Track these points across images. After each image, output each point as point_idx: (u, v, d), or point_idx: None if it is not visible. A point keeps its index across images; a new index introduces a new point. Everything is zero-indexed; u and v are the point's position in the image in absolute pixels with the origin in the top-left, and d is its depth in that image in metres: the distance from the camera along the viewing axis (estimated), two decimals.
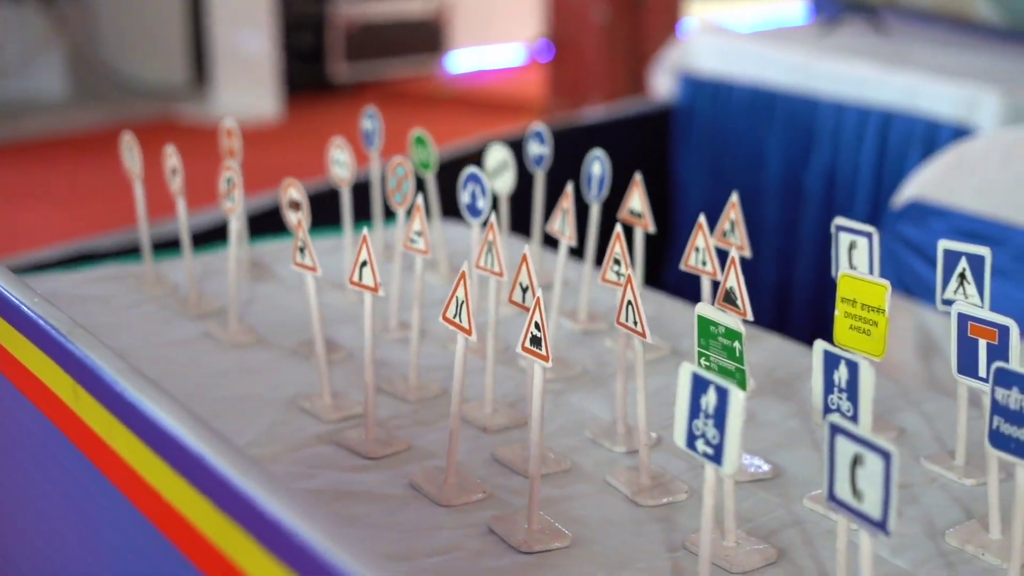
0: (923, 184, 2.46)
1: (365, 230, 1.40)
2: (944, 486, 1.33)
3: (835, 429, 0.94)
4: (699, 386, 1.00)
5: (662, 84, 4.21)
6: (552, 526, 1.23)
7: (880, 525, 0.91)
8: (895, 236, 2.45)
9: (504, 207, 1.84)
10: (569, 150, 2.61)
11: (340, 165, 1.84)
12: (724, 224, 1.52)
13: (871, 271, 1.37)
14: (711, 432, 1.00)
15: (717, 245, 1.52)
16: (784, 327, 3.58)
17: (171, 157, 1.78)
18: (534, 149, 1.89)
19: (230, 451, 1.06)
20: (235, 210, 1.67)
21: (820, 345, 1.09)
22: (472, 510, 1.27)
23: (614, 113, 4.24)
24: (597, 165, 1.72)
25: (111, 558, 1.30)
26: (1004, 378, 1.02)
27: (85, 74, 7.30)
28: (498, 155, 1.81)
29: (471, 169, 1.62)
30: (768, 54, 3.81)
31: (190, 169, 1.78)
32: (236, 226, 1.69)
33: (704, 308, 1.16)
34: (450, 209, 2.00)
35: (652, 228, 1.62)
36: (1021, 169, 2.33)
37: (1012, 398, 1.01)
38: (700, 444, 1.01)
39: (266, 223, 2.33)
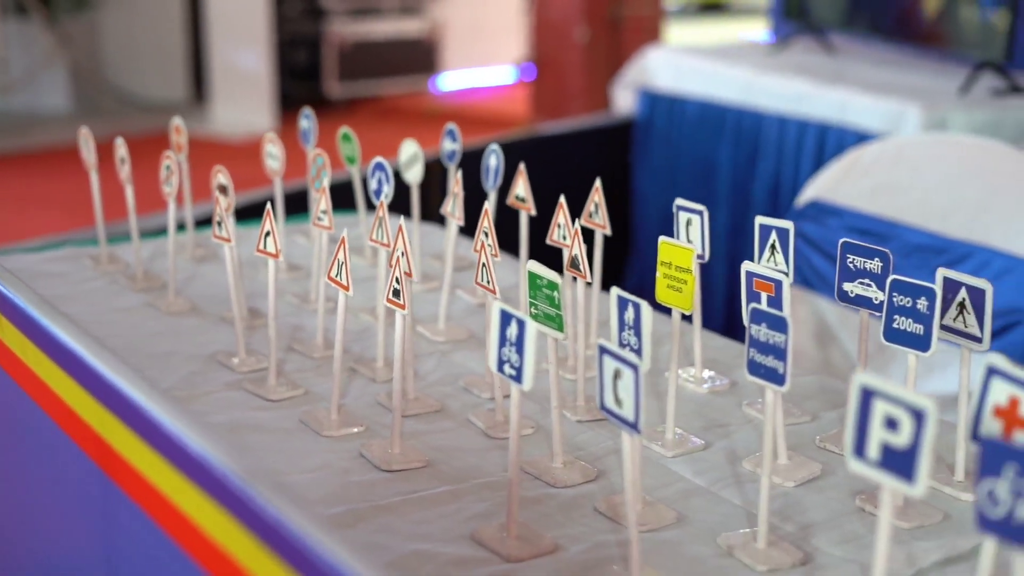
0: (822, 186, 2.68)
1: (268, 205, 1.63)
2: (757, 426, 1.56)
3: (603, 350, 1.17)
4: (505, 320, 1.23)
5: (623, 99, 4.45)
6: (413, 450, 1.46)
7: (632, 425, 1.14)
8: (796, 233, 2.67)
9: (415, 195, 2.07)
10: (535, 159, 2.83)
11: (272, 158, 2.08)
12: (590, 207, 1.75)
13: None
14: (514, 357, 1.23)
15: (584, 224, 1.75)
16: (733, 322, 3.81)
17: (120, 148, 2.02)
18: (447, 145, 2.12)
19: (149, 389, 1.30)
20: (172, 194, 1.91)
21: (615, 292, 1.32)
22: (350, 439, 1.50)
23: (577, 126, 4.48)
24: (493, 158, 1.96)
25: (33, 472, 1.53)
26: (757, 316, 1.25)
27: (88, 89, 7.57)
28: (410, 149, 2.05)
29: (378, 159, 1.85)
30: (718, 71, 4.05)
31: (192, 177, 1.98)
32: (174, 209, 1.93)
33: (533, 265, 1.39)
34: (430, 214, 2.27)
35: (533, 211, 1.85)
36: (906, 172, 2.56)
37: (762, 332, 1.24)
38: (507, 368, 1.24)
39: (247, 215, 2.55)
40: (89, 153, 2.09)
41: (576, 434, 1.53)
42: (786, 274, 1.54)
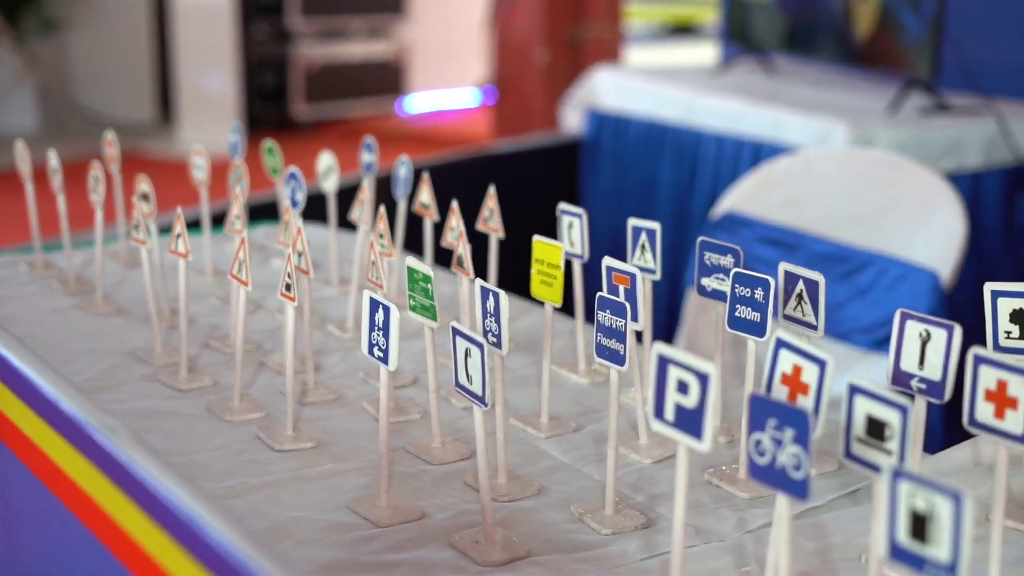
0: (736, 198, 2.84)
1: (179, 208, 1.78)
2: (628, 412, 1.70)
3: (455, 332, 1.31)
4: (374, 307, 1.38)
5: (571, 119, 4.62)
6: (305, 433, 1.60)
7: (480, 399, 1.29)
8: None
9: (332, 203, 2.22)
10: (484, 177, 2.97)
11: (199, 168, 2.23)
12: (484, 212, 1.90)
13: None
14: (381, 341, 1.37)
15: (480, 229, 1.91)
16: (671, 333, 3.96)
17: (52, 159, 2.17)
18: (365, 157, 2.27)
19: (60, 381, 1.45)
20: (99, 203, 2.05)
21: (479, 283, 1.47)
22: (248, 424, 1.64)
23: (526, 144, 4.64)
24: (403, 169, 2.11)
25: None
26: (602, 303, 1.39)
27: (56, 110, 7.72)
28: (326, 161, 2.19)
29: (292, 168, 2.00)
30: (661, 92, 4.22)
31: (157, 198, 2.10)
32: (101, 217, 2.07)
33: (411, 260, 1.53)
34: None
35: (436, 217, 2.00)
36: (814, 185, 2.71)
37: (606, 318, 1.39)
38: (376, 350, 1.39)
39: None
40: (24, 165, 2.23)
41: (459, 419, 1.67)
42: (652, 271, 1.69)
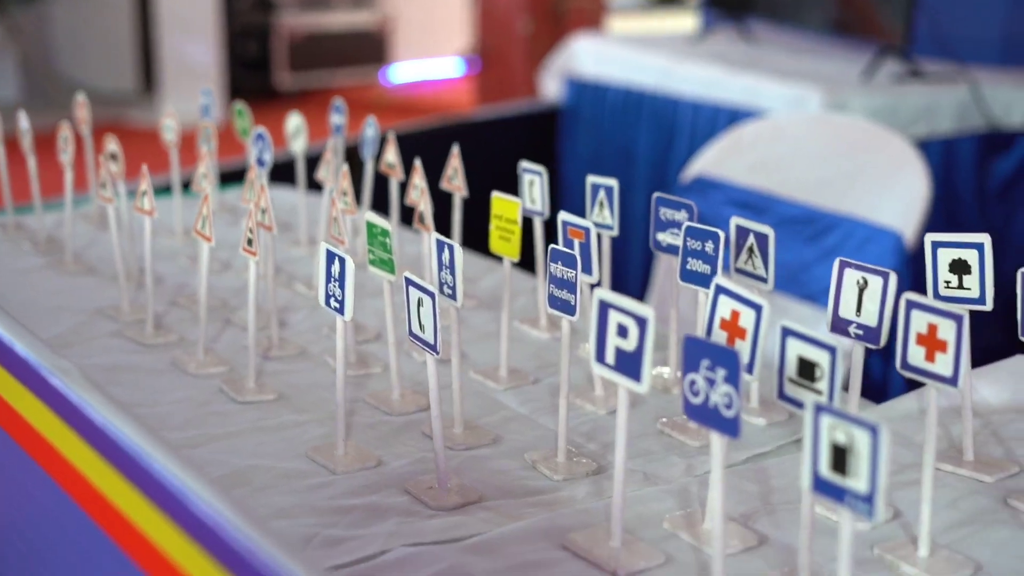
0: (706, 161, 2.87)
1: (144, 166, 1.80)
2: (585, 364, 1.74)
3: (408, 281, 1.35)
4: (330, 258, 1.41)
5: (550, 86, 4.64)
6: (267, 386, 1.64)
7: (432, 347, 1.32)
8: None
9: (301, 165, 2.25)
10: (463, 144, 2.99)
11: (168, 131, 2.25)
12: (449, 171, 1.94)
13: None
14: (337, 292, 1.41)
15: (444, 187, 1.94)
16: (644, 298, 4.00)
17: (22, 120, 2.20)
18: (334, 119, 2.30)
19: (26, 335, 1.47)
20: (68, 163, 2.08)
21: (434, 236, 1.50)
22: (212, 378, 1.68)
23: (505, 112, 4.66)
24: (370, 130, 2.14)
25: None
26: (554, 255, 1.43)
27: (38, 80, 7.72)
28: (295, 122, 2.22)
29: (259, 129, 2.03)
30: (638, 59, 4.24)
31: (136, 166, 2.12)
32: (69, 177, 2.10)
33: (370, 216, 1.56)
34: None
35: (401, 176, 2.03)
36: (782, 149, 2.75)
37: (558, 270, 1.42)
38: (332, 301, 1.42)
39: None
40: None
41: (419, 372, 1.70)
42: (610, 227, 1.73)
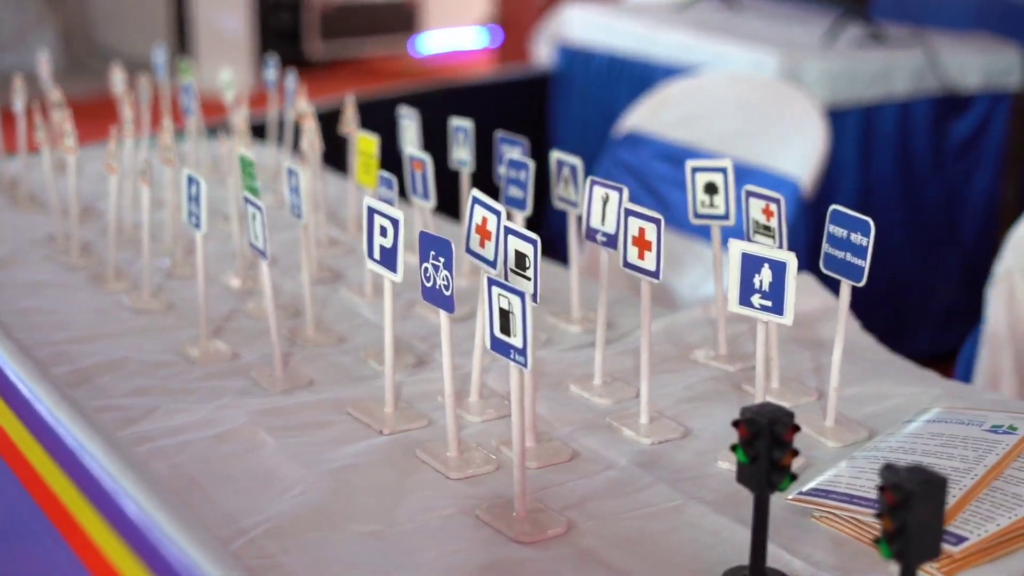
0: (638, 116, 3.14)
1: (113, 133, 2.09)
2: None
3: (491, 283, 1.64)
4: (189, 182, 1.70)
5: (542, 52, 4.90)
6: (163, 299, 1.93)
7: (262, 253, 1.61)
8: (615, 161, 3.14)
9: (242, 117, 2.54)
10: (457, 107, 3.28)
11: (117, 83, 2.56)
12: (345, 118, 2.22)
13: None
14: (196, 210, 1.70)
15: (342, 132, 2.23)
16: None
17: (17, 81, 2.51)
18: (268, 74, 2.59)
19: None
20: (21, 113, 2.40)
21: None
22: (119, 293, 1.97)
23: (498, 77, 4.94)
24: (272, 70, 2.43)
25: None
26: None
27: (76, 49, 8.10)
28: (226, 75, 2.52)
29: (188, 81, 2.33)
30: (619, 26, 4.49)
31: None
32: (45, 136, 2.41)
33: (245, 152, 1.85)
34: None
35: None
36: (704, 104, 3.01)
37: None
38: (193, 219, 1.71)
39: None
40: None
41: (294, 292, 1.98)
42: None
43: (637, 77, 4.39)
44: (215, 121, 2.74)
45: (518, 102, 4.90)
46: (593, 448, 1.44)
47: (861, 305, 3.91)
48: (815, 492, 1.30)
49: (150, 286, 1.94)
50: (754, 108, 2.95)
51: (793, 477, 1.11)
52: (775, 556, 1.20)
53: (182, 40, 8.04)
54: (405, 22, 8.63)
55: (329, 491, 1.32)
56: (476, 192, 1.45)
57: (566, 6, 4.83)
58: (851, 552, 1.22)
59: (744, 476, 1.13)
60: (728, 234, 1.50)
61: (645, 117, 3.13)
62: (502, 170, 1.90)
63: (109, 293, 1.97)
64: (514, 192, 1.79)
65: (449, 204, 2.12)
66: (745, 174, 2.87)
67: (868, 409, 1.54)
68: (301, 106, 2.33)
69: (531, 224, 1.85)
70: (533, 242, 1.33)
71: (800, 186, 2.78)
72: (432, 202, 1.87)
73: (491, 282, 1.24)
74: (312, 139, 2.07)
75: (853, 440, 1.45)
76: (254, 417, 1.49)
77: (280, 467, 1.38)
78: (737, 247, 1.32)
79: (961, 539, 1.20)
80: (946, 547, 1.19)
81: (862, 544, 1.22)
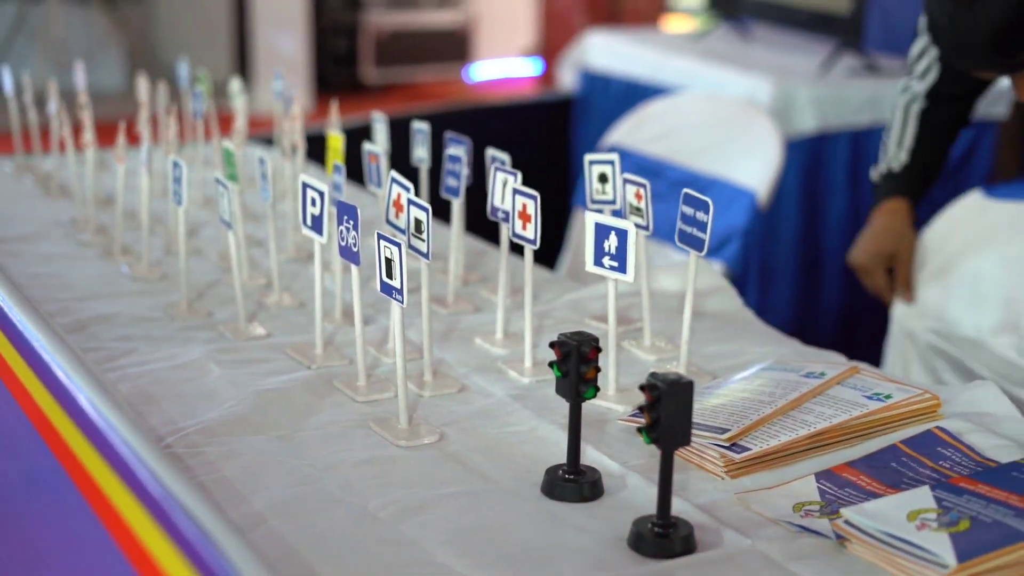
0: (619, 133, 3.46)
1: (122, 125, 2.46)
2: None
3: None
4: (175, 167, 2.05)
5: (566, 77, 5.24)
6: (159, 270, 2.28)
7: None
8: None
9: (241, 118, 2.89)
10: (482, 127, 3.65)
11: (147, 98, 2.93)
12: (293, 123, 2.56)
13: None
14: (179, 189, 2.04)
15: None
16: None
17: (52, 87, 2.88)
18: (276, 86, 2.95)
19: None
20: (62, 122, 2.77)
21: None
22: (119, 262, 2.32)
23: (522, 99, 5.28)
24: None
25: None
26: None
27: (141, 68, 8.55)
28: (236, 85, 2.88)
29: (198, 88, 2.69)
30: (635, 53, 4.82)
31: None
32: (59, 129, 2.78)
33: (227, 143, 2.19)
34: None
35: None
36: (677, 121, 3.32)
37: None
38: (176, 197, 2.06)
39: None
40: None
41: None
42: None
43: (650, 100, 4.71)
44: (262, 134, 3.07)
45: (543, 123, 5.23)
46: (481, 384, 1.76)
47: (852, 322, 4.21)
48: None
49: (148, 259, 2.28)
50: (721, 126, 3.26)
51: (596, 389, 1.43)
52: (595, 459, 1.52)
53: (243, 61, 8.47)
54: (457, 50, 9.01)
55: (254, 406, 1.65)
56: (394, 173, 1.79)
57: (589, 34, 5.17)
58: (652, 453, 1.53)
59: (560, 388, 1.45)
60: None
61: (626, 133, 3.45)
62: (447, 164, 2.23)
63: (113, 264, 2.32)
64: (451, 182, 2.11)
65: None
66: (708, 185, 3.19)
67: (722, 363, 1.85)
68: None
69: (557, 226, 2.13)
70: (426, 209, 1.66)
71: (757, 196, 3.09)
72: (383, 190, 2.20)
73: (379, 236, 1.57)
74: (295, 139, 2.42)
75: (699, 384, 1.76)
76: (208, 354, 1.83)
77: (220, 389, 1.72)
78: (591, 218, 1.64)
79: (744, 449, 1.51)
80: (730, 455, 1.50)
81: None
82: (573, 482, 1.46)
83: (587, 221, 1.64)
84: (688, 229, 1.74)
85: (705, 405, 1.60)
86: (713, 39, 5.04)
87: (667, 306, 2.09)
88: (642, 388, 1.30)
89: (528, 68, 9.19)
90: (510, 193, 1.82)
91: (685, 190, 1.76)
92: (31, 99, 2.90)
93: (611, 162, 1.93)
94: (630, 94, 4.84)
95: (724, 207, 3.12)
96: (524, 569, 1.29)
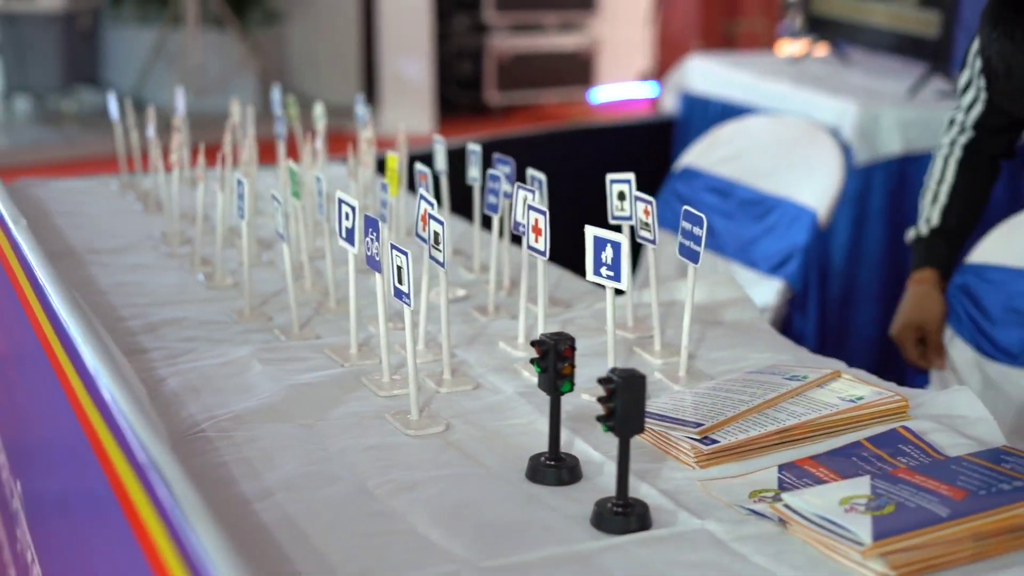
0: (693, 154, 3.61)
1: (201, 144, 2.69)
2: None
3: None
4: (239, 184, 2.27)
5: (668, 100, 5.39)
6: (229, 280, 2.50)
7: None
8: (672, 191, 3.61)
9: (321, 141, 3.10)
10: (585, 149, 3.86)
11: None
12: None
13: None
14: (239, 203, 2.26)
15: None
16: None
17: (150, 113, 3.14)
18: (274, 106, 3.16)
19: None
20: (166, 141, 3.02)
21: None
22: (189, 260, 2.55)
23: (625, 121, 5.44)
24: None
25: None
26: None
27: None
28: (319, 108, 3.09)
29: (279, 114, 2.91)
30: (731, 76, 4.96)
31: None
32: (156, 154, 3.03)
33: (292, 164, 2.40)
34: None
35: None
36: (745, 144, 3.46)
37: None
38: (237, 210, 2.27)
39: None
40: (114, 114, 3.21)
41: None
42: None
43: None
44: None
45: (647, 144, 5.38)
46: (495, 383, 1.94)
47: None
48: None
49: (222, 269, 2.50)
50: (786, 147, 3.39)
51: (572, 384, 1.59)
52: (581, 450, 1.69)
53: (371, 86, 8.77)
54: (580, 74, 9.21)
55: (285, 397, 1.85)
56: (421, 190, 1.97)
57: (690, 58, 5.32)
58: (641, 449, 1.69)
59: (541, 383, 1.61)
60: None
61: (699, 154, 3.60)
62: (490, 183, 2.41)
63: (192, 274, 2.55)
64: (491, 199, 2.29)
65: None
66: (774, 204, 3.32)
67: (723, 367, 2.00)
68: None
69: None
70: (442, 223, 1.84)
71: (817, 216, 3.21)
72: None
73: (392, 247, 1.75)
74: (361, 159, 2.62)
75: (695, 385, 1.91)
76: (254, 352, 2.04)
77: (258, 383, 1.91)
78: (590, 231, 1.80)
79: (713, 441, 1.66)
80: (700, 446, 1.65)
81: (646, 443, 1.69)
82: (554, 467, 1.62)
83: (586, 234, 1.80)
84: (687, 243, 1.90)
85: (688, 403, 1.76)
86: (811, 62, 5.15)
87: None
88: (600, 381, 1.46)
89: (646, 91, 9.34)
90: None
91: (685, 207, 1.91)
92: (133, 121, 3.15)
93: (628, 181, 2.09)
94: (727, 115, 4.96)
95: (788, 226, 3.25)
96: (492, 540, 1.46)
